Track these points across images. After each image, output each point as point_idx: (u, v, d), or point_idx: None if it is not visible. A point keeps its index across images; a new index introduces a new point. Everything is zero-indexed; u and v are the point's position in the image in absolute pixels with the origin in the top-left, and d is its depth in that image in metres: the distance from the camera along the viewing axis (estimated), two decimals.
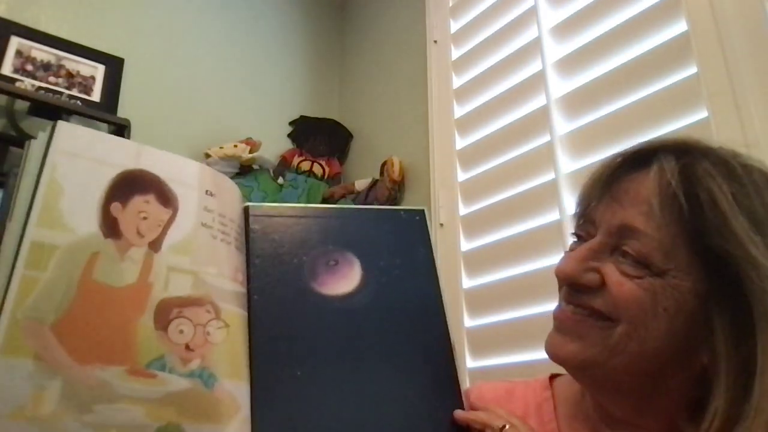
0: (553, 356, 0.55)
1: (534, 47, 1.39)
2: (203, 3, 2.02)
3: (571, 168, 1.24)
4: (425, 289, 0.65)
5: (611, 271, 0.52)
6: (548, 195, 1.26)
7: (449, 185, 1.55)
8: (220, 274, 0.51)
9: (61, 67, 1.59)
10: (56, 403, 0.40)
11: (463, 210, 1.50)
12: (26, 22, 1.58)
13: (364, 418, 0.52)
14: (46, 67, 1.57)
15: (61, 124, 0.49)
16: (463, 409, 0.58)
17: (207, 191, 0.54)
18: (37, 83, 1.52)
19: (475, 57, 1.59)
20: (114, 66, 1.67)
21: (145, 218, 0.49)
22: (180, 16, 1.95)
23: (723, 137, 0.98)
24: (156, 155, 0.52)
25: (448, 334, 0.61)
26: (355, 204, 1.87)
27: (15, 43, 1.53)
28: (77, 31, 1.68)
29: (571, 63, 1.30)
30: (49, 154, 0.48)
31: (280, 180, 1.96)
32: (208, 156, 1.77)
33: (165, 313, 0.47)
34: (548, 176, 1.27)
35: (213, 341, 0.48)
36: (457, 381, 0.59)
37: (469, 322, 1.38)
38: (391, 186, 1.73)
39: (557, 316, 0.56)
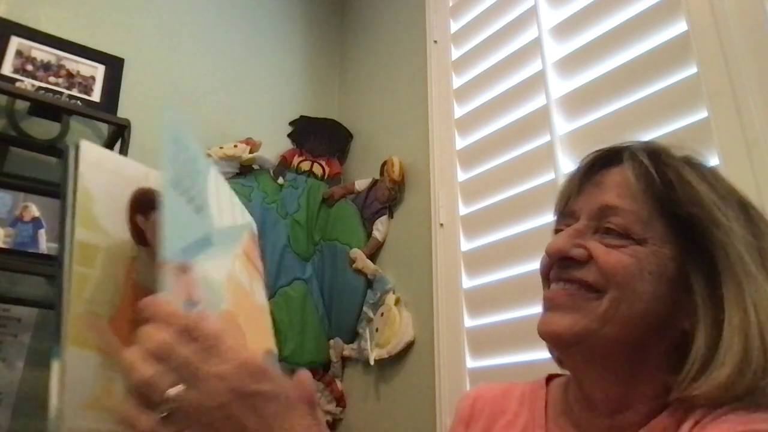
0: (549, 334, 0.58)
1: (534, 47, 1.39)
2: (203, 3, 2.02)
3: (571, 168, 1.24)
4: None
5: (596, 245, 0.57)
6: (548, 195, 1.25)
7: (449, 185, 1.55)
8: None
9: (61, 67, 1.59)
10: (123, 395, 0.40)
11: (463, 210, 1.50)
12: (26, 22, 1.58)
13: None
14: (46, 67, 1.57)
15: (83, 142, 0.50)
16: None
17: None
18: (37, 83, 1.52)
19: (475, 57, 1.59)
20: (114, 66, 1.67)
21: None
22: (180, 16, 1.95)
23: (723, 137, 0.98)
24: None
25: None
26: (355, 204, 1.87)
27: (15, 43, 1.53)
28: (77, 31, 1.68)
29: (571, 63, 1.30)
30: (79, 162, 0.49)
31: (280, 180, 1.96)
32: (208, 156, 1.77)
33: None
34: (548, 176, 1.27)
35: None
36: None
37: (469, 322, 1.38)
38: (391, 186, 1.73)
39: (548, 296, 0.59)
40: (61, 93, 1.53)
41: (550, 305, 0.59)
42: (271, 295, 1.78)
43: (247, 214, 0.61)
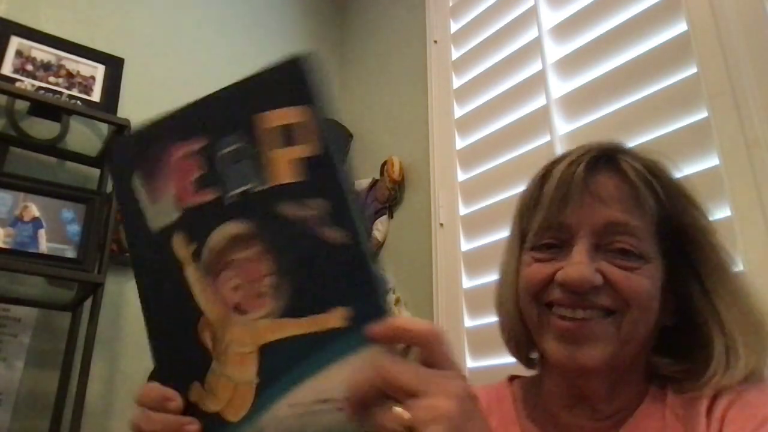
0: (577, 368, 0.55)
1: (534, 47, 1.39)
2: (203, 3, 2.02)
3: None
4: None
5: (611, 270, 0.55)
6: None
7: (449, 185, 1.55)
8: None
9: (61, 67, 1.59)
10: None
11: (463, 210, 1.50)
12: (26, 22, 1.58)
13: None
14: (46, 67, 1.57)
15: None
16: None
17: None
18: (37, 83, 1.52)
19: (475, 57, 1.59)
20: (114, 66, 1.67)
21: None
22: (180, 16, 1.95)
23: (723, 137, 0.98)
24: None
25: None
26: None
27: (15, 43, 1.53)
28: (77, 31, 1.68)
29: (571, 63, 1.30)
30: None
31: None
32: None
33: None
34: None
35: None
36: None
37: (469, 322, 1.38)
38: (391, 186, 1.73)
39: (568, 327, 0.55)
40: (61, 93, 1.53)
41: (569, 336, 0.56)
42: None
43: None
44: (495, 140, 1.46)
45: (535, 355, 0.67)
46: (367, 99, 2.09)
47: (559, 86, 1.32)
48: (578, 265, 0.55)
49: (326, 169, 0.40)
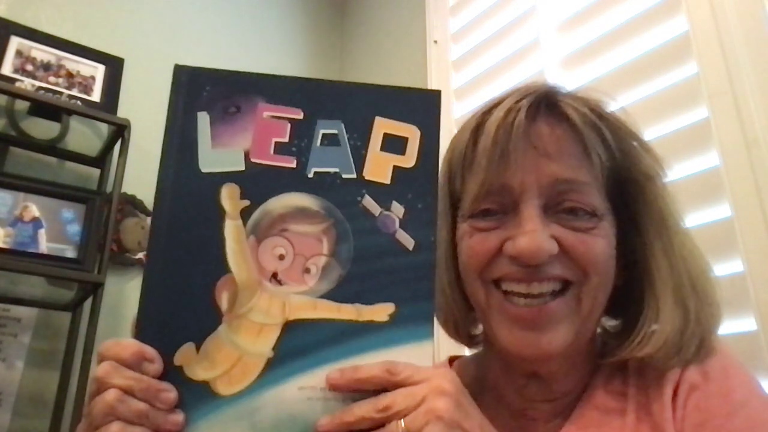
0: (537, 355, 0.50)
1: (534, 47, 1.39)
2: (203, 3, 2.02)
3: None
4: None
5: (563, 233, 0.49)
6: None
7: None
8: None
9: (61, 67, 1.59)
10: None
11: None
12: (26, 22, 1.58)
13: None
14: (46, 67, 1.57)
15: None
16: None
17: None
18: (37, 83, 1.52)
19: (475, 56, 1.59)
20: (114, 66, 1.67)
21: None
22: (180, 16, 1.94)
23: (723, 137, 0.98)
24: None
25: None
26: None
27: (15, 43, 1.53)
28: (77, 31, 1.68)
29: (570, 62, 1.30)
30: None
31: None
32: None
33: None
34: None
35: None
36: None
37: None
38: None
39: (525, 315, 0.49)
40: (60, 93, 1.53)
41: (533, 323, 0.49)
42: None
43: None
44: None
45: (477, 331, 0.61)
46: None
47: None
48: (531, 233, 0.48)
49: (416, 182, 0.45)
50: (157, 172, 0.44)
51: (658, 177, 0.53)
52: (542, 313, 0.49)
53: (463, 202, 0.54)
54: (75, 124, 1.60)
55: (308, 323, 0.42)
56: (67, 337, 1.44)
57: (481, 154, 0.51)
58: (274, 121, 0.45)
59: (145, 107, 1.72)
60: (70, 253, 1.42)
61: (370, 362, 0.41)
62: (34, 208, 1.43)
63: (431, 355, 0.42)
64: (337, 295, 0.43)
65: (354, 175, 0.44)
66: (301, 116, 0.45)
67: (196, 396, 0.41)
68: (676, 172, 0.58)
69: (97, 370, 0.39)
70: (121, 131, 1.53)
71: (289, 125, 0.45)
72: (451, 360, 0.66)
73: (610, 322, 0.57)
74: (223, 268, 0.42)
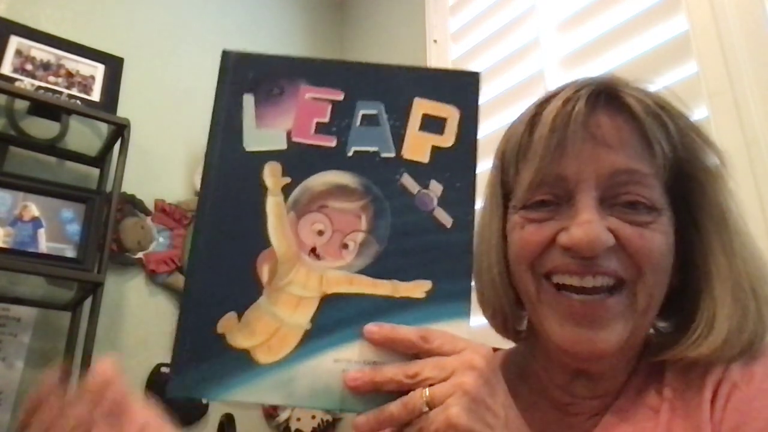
0: (591, 353, 0.48)
1: (534, 47, 1.39)
2: (203, 3, 2.02)
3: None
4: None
5: (621, 226, 0.47)
6: None
7: None
8: None
9: (60, 66, 1.58)
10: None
11: None
12: (26, 21, 1.58)
13: None
14: (46, 66, 1.56)
15: None
16: None
17: None
18: (37, 83, 1.52)
19: (474, 56, 1.59)
20: (114, 65, 1.67)
21: None
22: (180, 16, 1.94)
23: (723, 136, 0.98)
24: None
25: None
26: None
27: (15, 42, 1.53)
28: (77, 30, 1.68)
29: (570, 62, 1.30)
30: None
31: None
32: None
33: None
34: None
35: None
36: None
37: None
38: None
39: (579, 310, 0.48)
40: (60, 92, 1.53)
41: (587, 319, 0.47)
42: None
43: None
44: (495, 139, 1.45)
45: (523, 327, 0.59)
46: None
47: (558, 85, 1.32)
48: (587, 224, 0.46)
49: (455, 161, 0.46)
50: (205, 150, 0.46)
51: (721, 174, 0.51)
52: (598, 309, 0.47)
53: (515, 192, 0.53)
54: (75, 123, 1.60)
55: (345, 297, 0.43)
56: (67, 336, 1.44)
57: (537, 142, 0.50)
58: (315, 102, 0.46)
59: (145, 107, 1.72)
60: (70, 252, 1.42)
61: (407, 327, 0.42)
62: (33, 207, 1.43)
63: (467, 333, 0.43)
64: (373, 270, 0.44)
65: (393, 154, 0.45)
66: (341, 98, 0.46)
67: (235, 363, 0.42)
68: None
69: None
70: (120, 131, 1.53)
71: (330, 106, 0.46)
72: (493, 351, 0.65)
73: (660, 323, 0.55)
74: (264, 242, 0.44)
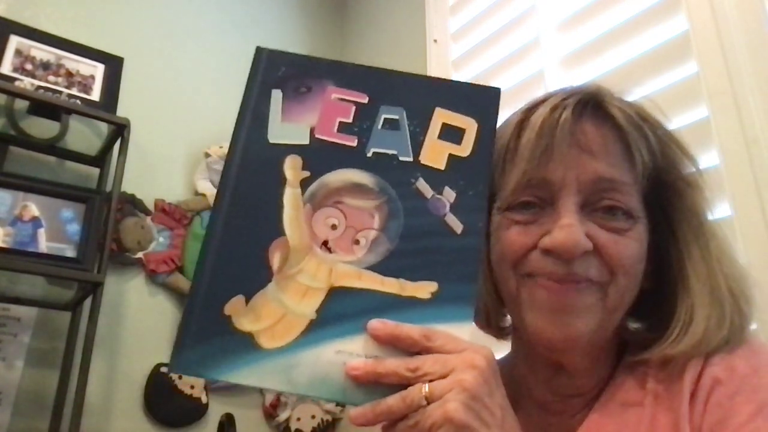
0: (562, 340, 0.50)
1: (534, 46, 1.39)
2: (203, 3, 2.02)
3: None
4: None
5: (598, 233, 0.50)
6: None
7: None
8: None
9: (60, 66, 1.58)
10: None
11: None
12: (26, 21, 1.58)
13: None
14: (46, 66, 1.56)
15: None
16: None
17: None
18: (37, 82, 1.51)
19: (474, 56, 1.59)
20: (113, 65, 1.67)
21: None
22: (180, 16, 1.94)
23: (723, 136, 0.98)
24: None
25: None
26: None
27: (14, 42, 1.53)
28: (77, 30, 1.68)
29: (571, 62, 1.30)
30: None
31: None
32: (207, 156, 1.76)
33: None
34: None
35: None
36: None
37: None
38: None
39: (552, 294, 0.50)
40: (60, 92, 1.53)
41: (559, 306, 0.49)
42: None
43: None
44: None
45: (506, 324, 0.62)
46: None
47: (559, 85, 1.31)
48: (569, 227, 0.48)
49: (470, 171, 0.47)
50: (230, 138, 0.48)
51: (698, 183, 0.54)
52: (572, 296, 0.49)
53: (501, 193, 0.54)
54: (74, 123, 1.60)
55: (352, 291, 0.45)
56: (67, 336, 1.44)
57: (524, 146, 0.51)
58: (340, 102, 0.49)
59: (145, 106, 1.72)
60: (70, 252, 1.42)
61: (410, 325, 0.43)
62: (33, 207, 1.43)
63: (469, 336, 0.44)
64: (382, 268, 0.45)
65: (410, 159, 0.47)
66: (366, 100, 0.49)
67: (238, 346, 0.43)
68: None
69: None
70: (120, 130, 1.53)
71: (354, 107, 0.48)
72: None
73: (634, 324, 0.58)
74: (278, 230, 0.45)
